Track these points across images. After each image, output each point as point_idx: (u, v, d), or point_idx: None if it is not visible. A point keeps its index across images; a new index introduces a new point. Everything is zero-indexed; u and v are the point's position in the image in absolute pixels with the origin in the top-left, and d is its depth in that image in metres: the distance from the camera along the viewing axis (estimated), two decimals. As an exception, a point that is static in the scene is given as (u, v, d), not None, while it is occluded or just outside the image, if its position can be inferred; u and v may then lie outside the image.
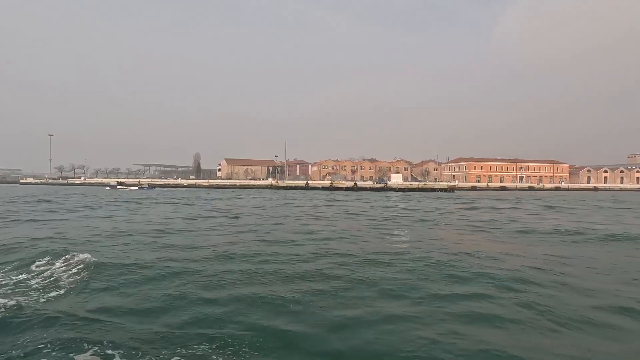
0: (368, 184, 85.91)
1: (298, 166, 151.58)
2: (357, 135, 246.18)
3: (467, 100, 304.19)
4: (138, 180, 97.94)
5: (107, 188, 71.07)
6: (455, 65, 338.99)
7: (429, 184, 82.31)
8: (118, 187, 72.44)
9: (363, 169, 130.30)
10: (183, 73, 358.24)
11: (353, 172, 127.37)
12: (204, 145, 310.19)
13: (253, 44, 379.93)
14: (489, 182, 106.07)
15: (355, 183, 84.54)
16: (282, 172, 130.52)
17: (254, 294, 5.87)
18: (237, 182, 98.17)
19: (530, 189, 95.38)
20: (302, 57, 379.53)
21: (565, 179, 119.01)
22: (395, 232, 13.68)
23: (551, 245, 10.87)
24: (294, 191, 69.77)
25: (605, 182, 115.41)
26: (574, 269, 7.78)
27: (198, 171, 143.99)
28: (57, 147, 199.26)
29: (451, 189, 76.66)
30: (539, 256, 9.07)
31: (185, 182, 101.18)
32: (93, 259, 7.73)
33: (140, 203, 30.68)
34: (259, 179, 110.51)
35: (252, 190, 73.22)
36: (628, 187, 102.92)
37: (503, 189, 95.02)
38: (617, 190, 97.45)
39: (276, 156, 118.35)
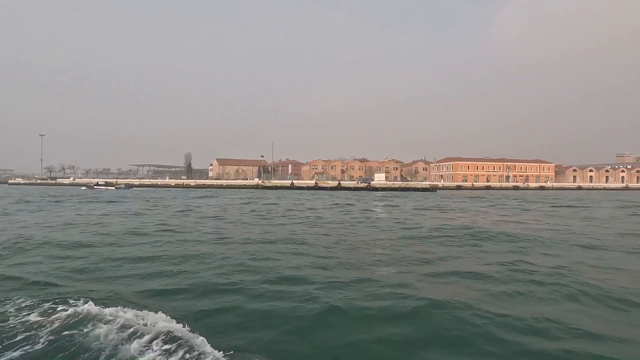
0: (352, 183, 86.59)
1: (290, 166, 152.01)
2: (351, 135, 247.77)
3: (464, 100, 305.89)
4: (115, 180, 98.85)
5: (83, 188, 71.61)
6: (453, 65, 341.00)
7: (412, 184, 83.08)
8: (95, 187, 72.84)
9: (353, 168, 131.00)
10: (181, 72, 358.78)
11: (343, 171, 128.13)
12: (197, 146, 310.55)
13: (252, 44, 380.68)
14: (475, 182, 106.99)
15: (339, 183, 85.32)
16: (274, 172, 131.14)
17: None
18: (224, 182, 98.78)
19: (515, 188, 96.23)
20: (300, 56, 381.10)
21: (551, 178, 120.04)
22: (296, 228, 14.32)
23: (432, 243, 11.44)
24: (274, 191, 70.37)
25: (591, 181, 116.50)
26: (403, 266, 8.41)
27: (189, 171, 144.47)
28: (52, 148, 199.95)
29: (433, 189, 77.46)
30: (397, 254, 9.67)
31: (173, 182, 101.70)
32: None
33: (107, 202, 31.23)
34: (248, 179, 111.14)
35: (234, 190, 73.80)
36: (611, 187, 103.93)
37: (488, 188, 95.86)
38: (600, 189, 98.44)
39: (262, 156, 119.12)
